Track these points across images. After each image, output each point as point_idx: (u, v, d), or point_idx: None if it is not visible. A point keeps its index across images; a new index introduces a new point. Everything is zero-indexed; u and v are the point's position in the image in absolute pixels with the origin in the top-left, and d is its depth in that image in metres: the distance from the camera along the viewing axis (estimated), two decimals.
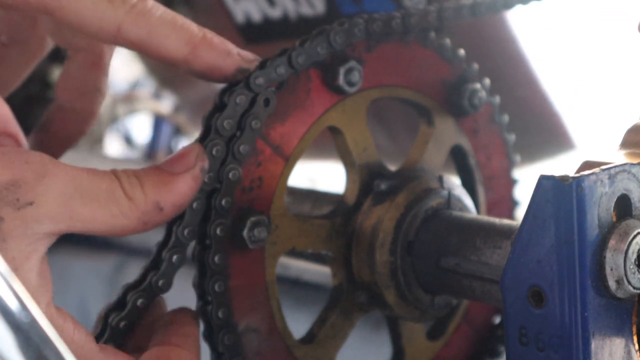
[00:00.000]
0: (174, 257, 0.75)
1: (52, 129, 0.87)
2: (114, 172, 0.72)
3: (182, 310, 0.77)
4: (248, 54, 0.77)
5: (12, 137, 0.75)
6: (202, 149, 0.75)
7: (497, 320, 0.95)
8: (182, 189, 0.73)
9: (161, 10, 0.75)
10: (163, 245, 0.76)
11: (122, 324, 0.75)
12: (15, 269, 0.67)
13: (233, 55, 0.77)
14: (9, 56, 0.86)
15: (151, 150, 2.81)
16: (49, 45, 0.87)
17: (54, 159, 0.70)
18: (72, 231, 0.70)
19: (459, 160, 0.92)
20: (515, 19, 1.24)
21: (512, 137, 0.94)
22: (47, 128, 0.87)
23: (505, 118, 0.93)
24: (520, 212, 0.95)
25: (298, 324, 0.88)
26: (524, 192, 0.94)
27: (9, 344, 0.46)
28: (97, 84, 0.86)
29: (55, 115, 0.87)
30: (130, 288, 0.76)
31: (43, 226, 0.68)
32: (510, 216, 0.95)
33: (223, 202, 0.76)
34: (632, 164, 0.68)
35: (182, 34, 0.75)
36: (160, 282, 0.75)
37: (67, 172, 0.69)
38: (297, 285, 1.25)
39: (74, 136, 0.87)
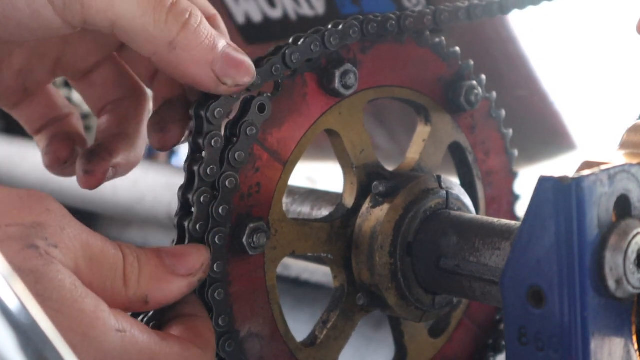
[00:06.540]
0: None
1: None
2: (122, 249, 0.72)
3: None
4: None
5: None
6: (209, 257, 0.74)
7: (498, 315, 0.94)
8: (173, 292, 0.73)
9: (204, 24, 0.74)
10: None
11: None
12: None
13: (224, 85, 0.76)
14: (125, 111, 0.87)
15: (151, 150, 2.81)
16: (149, 92, 0.88)
17: (69, 213, 0.70)
18: None
19: (457, 157, 0.92)
20: (515, 19, 1.24)
21: (509, 132, 0.94)
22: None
23: (502, 113, 0.93)
24: (520, 207, 0.95)
25: (299, 324, 0.88)
26: (523, 189, 0.94)
27: (9, 344, 0.46)
28: (137, 132, 0.87)
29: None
30: None
31: (62, 268, 0.68)
32: (510, 211, 0.95)
33: (220, 210, 0.76)
34: (631, 164, 0.68)
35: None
36: None
37: (82, 230, 0.70)
38: (298, 285, 1.25)
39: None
